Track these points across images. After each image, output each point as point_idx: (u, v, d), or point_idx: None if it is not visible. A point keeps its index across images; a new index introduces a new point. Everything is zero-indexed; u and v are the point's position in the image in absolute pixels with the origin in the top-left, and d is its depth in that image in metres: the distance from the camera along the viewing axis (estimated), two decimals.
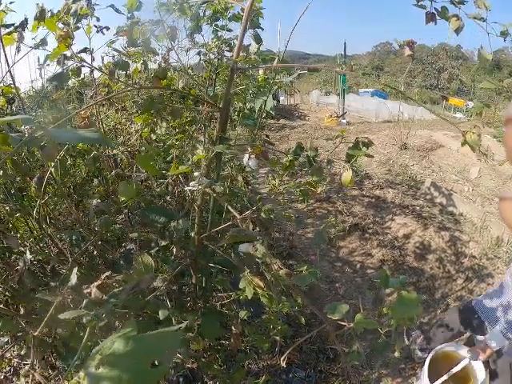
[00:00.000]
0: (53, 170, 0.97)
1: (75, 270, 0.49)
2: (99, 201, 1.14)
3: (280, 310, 0.94)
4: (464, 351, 1.65)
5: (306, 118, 10.51)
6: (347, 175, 0.76)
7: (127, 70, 0.98)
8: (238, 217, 0.61)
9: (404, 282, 0.60)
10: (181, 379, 1.62)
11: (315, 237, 0.69)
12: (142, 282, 0.43)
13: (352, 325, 0.45)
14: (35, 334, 0.62)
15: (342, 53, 11.48)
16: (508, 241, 3.34)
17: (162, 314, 0.74)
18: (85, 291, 0.47)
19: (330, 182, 4.21)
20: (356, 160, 0.80)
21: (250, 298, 0.82)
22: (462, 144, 1.02)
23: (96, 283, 0.47)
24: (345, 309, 0.48)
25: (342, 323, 0.47)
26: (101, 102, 2.05)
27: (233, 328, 1.23)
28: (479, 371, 1.60)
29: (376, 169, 5.21)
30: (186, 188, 0.77)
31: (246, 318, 1.40)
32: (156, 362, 0.27)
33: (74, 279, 0.49)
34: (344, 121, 9.65)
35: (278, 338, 1.31)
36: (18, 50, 1.57)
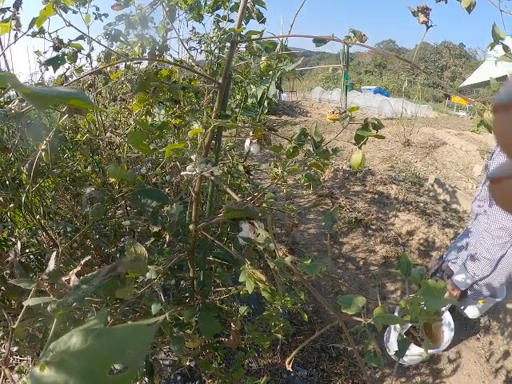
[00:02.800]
0: (43, 154, 0.91)
1: (54, 254, 0.44)
2: (93, 189, 1.09)
3: (283, 304, 0.89)
4: None
5: (308, 115, 10.43)
6: (357, 157, 0.70)
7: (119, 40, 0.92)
8: (238, 200, 0.55)
9: (422, 274, 0.55)
10: (178, 377, 1.57)
11: (325, 218, 0.62)
12: (120, 265, 0.37)
13: (370, 320, 0.39)
14: (14, 326, 0.56)
15: (345, 50, 11.36)
16: None
17: (154, 309, 0.68)
18: (63, 278, 0.41)
19: (332, 178, 4.15)
20: (366, 141, 0.74)
21: (250, 292, 0.76)
22: (479, 125, 0.96)
23: (75, 270, 0.41)
24: (361, 301, 0.41)
25: (358, 319, 0.40)
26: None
27: (232, 325, 1.17)
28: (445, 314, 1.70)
29: (379, 165, 5.15)
30: (183, 173, 0.71)
31: (246, 314, 1.34)
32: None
33: (51, 265, 0.43)
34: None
35: (279, 335, 1.25)
36: (16, 39, 1.52)
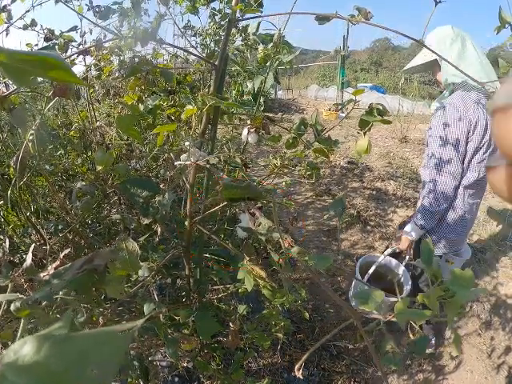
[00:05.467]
0: (30, 144, 0.86)
1: (32, 247, 0.39)
2: (83, 183, 1.03)
3: (285, 302, 0.84)
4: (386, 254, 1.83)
5: (305, 112, 10.41)
6: (363, 143, 0.66)
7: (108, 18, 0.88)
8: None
9: (438, 264, 0.50)
10: (176, 379, 1.52)
11: (334, 205, 0.57)
12: (97, 257, 0.33)
13: (390, 317, 0.35)
14: None
15: (342, 46, 11.33)
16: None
17: (146, 309, 0.63)
18: (41, 274, 0.37)
19: (329, 175, 4.11)
20: (368, 130, 0.69)
21: (250, 290, 0.71)
22: (488, 110, 0.92)
23: (54, 264, 0.36)
24: (380, 296, 0.37)
25: (374, 316, 0.36)
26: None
27: (231, 324, 1.13)
28: (397, 266, 1.78)
29: (376, 161, 5.12)
30: (177, 162, 0.66)
31: (245, 313, 1.29)
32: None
33: (29, 260, 0.38)
34: (343, 114, 9.54)
35: (280, 335, 1.21)
36: (7, 33, 1.48)
